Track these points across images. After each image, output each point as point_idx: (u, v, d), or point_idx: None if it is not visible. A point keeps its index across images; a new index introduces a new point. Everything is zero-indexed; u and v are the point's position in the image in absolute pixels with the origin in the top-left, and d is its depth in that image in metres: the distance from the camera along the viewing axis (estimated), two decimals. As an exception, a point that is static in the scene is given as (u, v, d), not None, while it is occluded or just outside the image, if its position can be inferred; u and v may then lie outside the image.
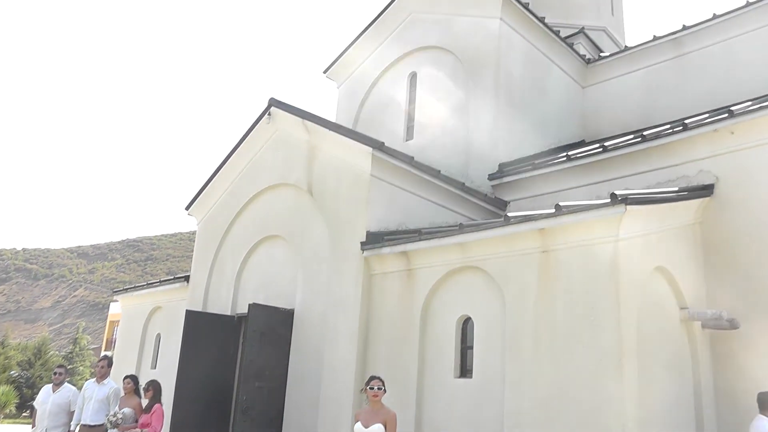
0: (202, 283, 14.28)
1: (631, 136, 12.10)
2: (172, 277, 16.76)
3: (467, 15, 15.44)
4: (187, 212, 15.35)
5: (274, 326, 11.65)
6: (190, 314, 12.51)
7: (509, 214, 9.33)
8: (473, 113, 14.52)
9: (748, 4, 14.51)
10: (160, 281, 17.04)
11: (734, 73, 14.34)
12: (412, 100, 16.18)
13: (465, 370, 9.60)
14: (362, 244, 10.95)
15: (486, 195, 13.22)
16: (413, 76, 16.32)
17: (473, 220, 12.58)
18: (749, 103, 10.83)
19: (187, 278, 15.29)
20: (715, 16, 14.98)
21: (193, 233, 15.51)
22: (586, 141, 15.97)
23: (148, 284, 17.60)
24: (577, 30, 18.40)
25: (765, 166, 9.85)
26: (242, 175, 14.10)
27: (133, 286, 18.77)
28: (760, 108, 9.89)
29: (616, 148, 11.64)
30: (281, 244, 12.79)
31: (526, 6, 15.38)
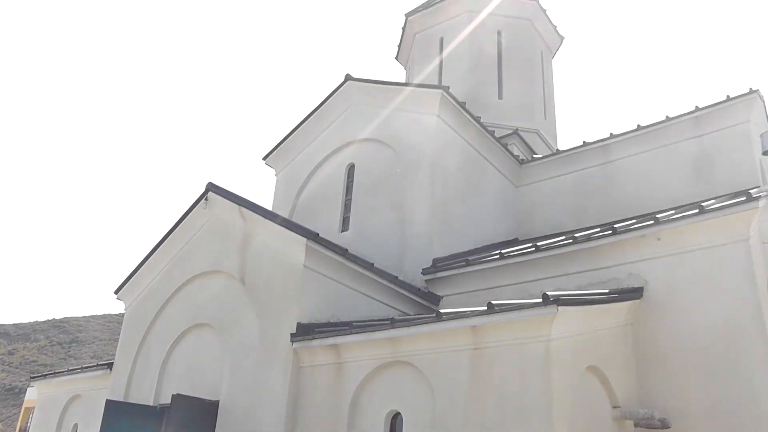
0: (125, 371, 13.77)
1: (563, 237, 12.37)
2: (95, 364, 16.14)
3: (406, 110, 15.74)
4: (116, 296, 14.92)
5: (197, 418, 11.23)
6: (110, 404, 11.99)
7: (441, 311, 9.35)
8: (409, 207, 14.65)
9: (667, 119, 15.32)
10: (81, 368, 16.36)
11: (659, 180, 14.97)
12: (349, 191, 16.28)
13: (393, 465, 9.38)
14: (292, 335, 10.76)
15: (419, 289, 13.22)
16: (351, 167, 16.47)
17: (406, 314, 12.53)
18: (673, 211, 11.27)
19: (110, 366, 14.74)
20: (639, 128, 15.69)
21: (123, 315, 15.04)
22: (520, 239, 16.24)
23: (68, 371, 16.88)
24: (511, 131, 18.96)
25: (690, 272, 10.22)
26: (175, 260, 13.84)
27: (52, 372, 17.98)
28: (684, 217, 10.33)
29: (548, 248, 11.84)
30: (210, 333, 12.47)
31: (462, 105, 15.78)
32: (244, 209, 12.59)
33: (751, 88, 14.42)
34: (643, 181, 15.23)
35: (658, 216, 10.71)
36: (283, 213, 16.59)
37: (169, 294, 13.56)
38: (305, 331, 10.71)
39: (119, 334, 15.00)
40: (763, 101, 14.78)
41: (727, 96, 14.57)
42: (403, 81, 23.07)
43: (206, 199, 13.44)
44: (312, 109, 17.82)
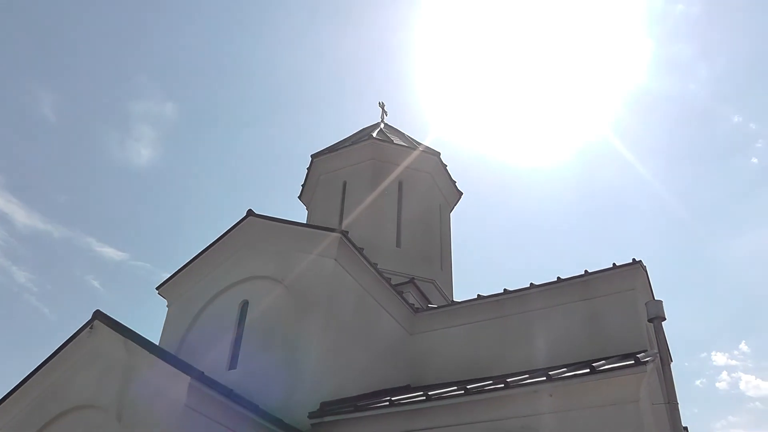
0: None
1: (455, 388, 12.32)
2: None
3: (305, 251, 15.69)
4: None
5: None
6: None
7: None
8: (300, 349, 14.33)
9: (559, 281, 15.93)
10: None
11: (551, 337, 15.29)
12: (240, 328, 15.84)
13: None
14: (166, 479, 10.08)
15: (305, 434, 12.76)
16: (245, 304, 16.09)
17: (290, 459, 12.02)
18: (565, 369, 11.48)
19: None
20: (532, 286, 16.17)
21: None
22: (412, 386, 16.08)
23: None
24: (408, 279, 19.12)
25: (581, 428, 10.31)
26: (50, 391, 12.87)
27: None
28: (575, 376, 10.57)
29: (439, 398, 11.74)
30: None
31: (360, 251, 15.89)
32: (129, 341, 12.01)
33: (634, 259, 15.21)
34: (536, 337, 15.53)
35: (550, 373, 10.87)
36: (171, 347, 15.93)
37: (37, 429, 12.56)
38: (181, 475, 10.07)
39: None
40: (646, 271, 15.53)
41: (614, 264, 15.32)
42: (305, 221, 23.24)
43: (92, 327, 12.80)
44: (211, 242, 17.54)
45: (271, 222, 16.74)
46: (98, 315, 12.84)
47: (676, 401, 10.96)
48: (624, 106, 54.64)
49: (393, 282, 17.41)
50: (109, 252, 54.94)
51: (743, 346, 56.23)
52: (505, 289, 16.53)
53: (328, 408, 13.26)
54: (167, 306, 17.77)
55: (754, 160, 54.97)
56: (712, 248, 54.77)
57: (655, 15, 56.14)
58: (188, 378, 10.70)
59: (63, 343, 13.10)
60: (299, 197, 25.01)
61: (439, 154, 23.45)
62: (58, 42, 50.79)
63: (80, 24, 52.79)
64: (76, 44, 52.17)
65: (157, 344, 13.44)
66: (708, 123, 56.32)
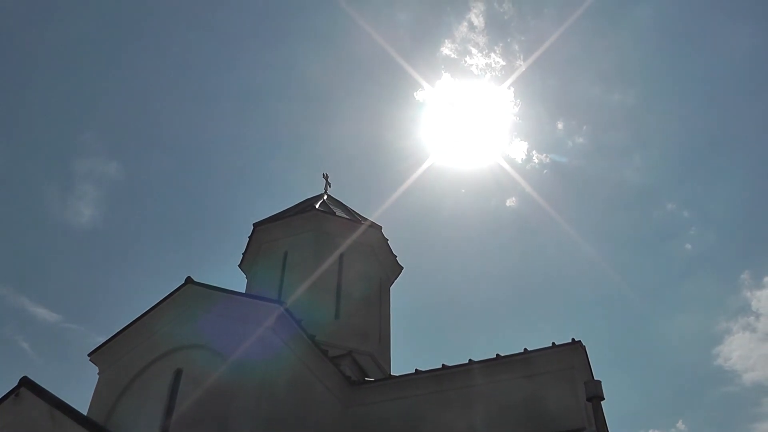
0: None
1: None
2: None
3: (242, 321, 15.51)
4: None
5: None
6: None
7: None
8: (233, 420, 14.07)
9: (498, 358, 16.13)
10: None
11: (490, 413, 15.35)
12: (173, 397, 15.46)
13: None
14: None
15: None
16: (179, 373, 15.76)
17: None
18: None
19: None
20: (471, 362, 16.31)
21: None
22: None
23: None
24: (345, 352, 18.99)
25: None
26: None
27: None
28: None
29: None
30: None
31: (299, 322, 15.82)
32: (55, 411, 11.68)
33: (573, 339, 15.47)
34: (474, 413, 15.58)
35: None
36: (100, 418, 15.37)
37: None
38: None
39: None
40: (585, 351, 15.77)
41: (553, 343, 15.55)
42: (244, 290, 23.05)
43: (17, 395, 12.42)
44: (148, 308, 17.20)
45: (209, 290, 16.57)
46: (25, 382, 12.50)
47: (614, 478, 11.09)
48: (562, 186, 55.93)
49: (330, 354, 17.31)
50: (43, 313, 53.45)
51: (680, 425, 56.96)
52: (443, 365, 16.57)
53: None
54: (98, 374, 17.27)
55: (688, 246, 56.76)
56: (650, 328, 55.93)
57: (593, 102, 58.14)
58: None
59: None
60: (240, 265, 24.80)
61: (381, 228, 23.64)
62: (1, 95, 50.17)
63: (27, 78, 52.35)
64: (21, 98, 51.59)
65: (86, 414, 13.11)
66: (643, 208, 58.15)
